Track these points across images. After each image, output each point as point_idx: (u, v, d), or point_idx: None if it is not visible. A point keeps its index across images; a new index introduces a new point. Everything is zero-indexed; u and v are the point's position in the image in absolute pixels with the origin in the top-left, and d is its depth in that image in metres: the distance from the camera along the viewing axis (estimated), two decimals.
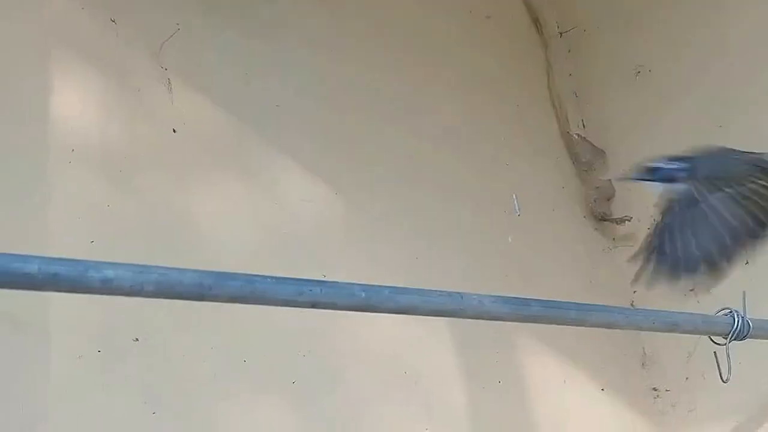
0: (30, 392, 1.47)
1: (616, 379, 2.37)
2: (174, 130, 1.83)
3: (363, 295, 1.24)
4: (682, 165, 1.22)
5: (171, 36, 1.88)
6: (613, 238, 2.61)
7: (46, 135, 1.64)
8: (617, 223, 2.59)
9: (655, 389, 2.43)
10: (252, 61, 2.02)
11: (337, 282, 1.21)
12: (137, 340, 1.61)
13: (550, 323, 1.50)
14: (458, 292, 1.34)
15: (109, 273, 0.97)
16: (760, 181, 1.03)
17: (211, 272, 1.09)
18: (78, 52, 1.75)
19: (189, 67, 1.90)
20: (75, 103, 1.71)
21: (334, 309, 1.22)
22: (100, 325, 1.58)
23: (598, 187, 2.61)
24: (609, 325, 1.61)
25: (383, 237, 2.07)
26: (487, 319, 1.41)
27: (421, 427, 1.94)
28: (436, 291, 1.31)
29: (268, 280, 1.14)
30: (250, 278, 1.13)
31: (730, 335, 1.67)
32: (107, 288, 0.97)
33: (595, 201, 2.61)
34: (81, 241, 1.59)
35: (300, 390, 1.78)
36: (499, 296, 1.39)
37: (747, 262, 2.25)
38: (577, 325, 1.56)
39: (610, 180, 2.61)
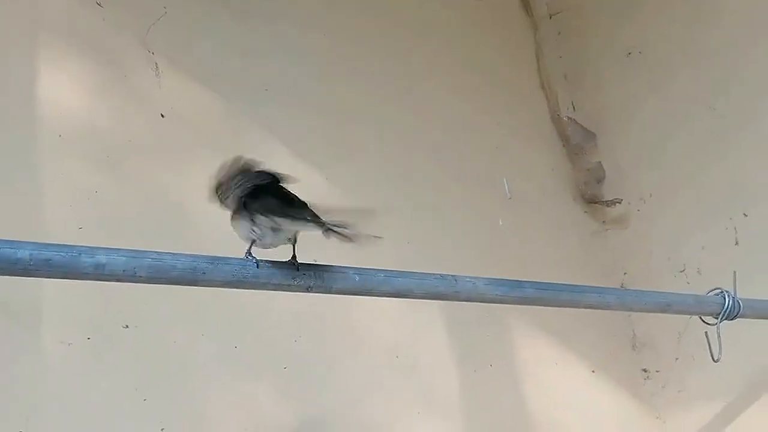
0: (21, 379, 1.46)
1: (607, 360, 2.38)
2: (162, 115, 1.81)
3: (357, 278, 1.23)
4: None
5: (158, 19, 1.86)
6: (603, 221, 2.62)
7: (33, 121, 1.62)
8: (608, 206, 2.59)
9: (645, 370, 2.44)
10: (241, 44, 1.99)
11: (332, 265, 1.21)
12: (127, 327, 1.60)
13: (544, 305, 1.51)
14: (452, 275, 1.34)
15: (102, 258, 0.96)
16: None
17: (205, 256, 1.08)
18: (64, 37, 1.73)
19: (177, 51, 1.88)
20: (62, 88, 1.69)
21: (329, 293, 1.21)
22: (89, 312, 1.56)
23: (588, 170, 2.61)
24: (602, 307, 1.61)
25: (374, 221, 2.06)
26: (481, 302, 1.41)
27: (414, 411, 1.94)
28: (430, 274, 1.31)
29: (263, 263, 1.13)
30: (243, 262, 1.12)
31: (721, 315, 1.68)
32: (100, 273, 0.96)
33: (585, 184, 2.61)
34: (69, 228, 1.57)
35: (292, 375, 1.77)
36: (492, 279, 1.39)
37: (737, 243, 2.31)
38: (570, 307, 1.57)
39: (600, 162, 2.62)
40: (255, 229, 1.12)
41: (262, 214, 1.10)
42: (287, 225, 1.12)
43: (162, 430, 1.57)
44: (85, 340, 1.54)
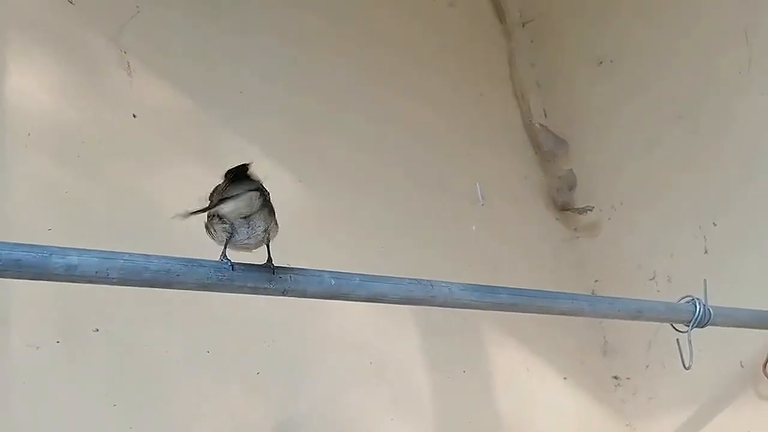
0: None
1: (578, 367, 2.39)
2: (134, 115, 1.79)
3: (333, 282, 1.22)
4: None
5: (131, 18, 1.83)
6: (575, 228, 2.63)
7: (1, 119, 1.59)
8: (579, 213, 2.61)
9: (616, 377, 2.46)
10: (214, 45, 1.98)
11: (308, 269, 1.20)
12: (97, 330, 1.57)
13: (518, 311, 1.51)
14: (428, 280, 1.33)
15: (74, 259, 0.94)
16: None
17: (179, 258, 1.06)
18: (34, 35, 1.69)
19: (149, 51, 1.85)
20: (31, 86, 1.65)
21: (304, 296, 1.20)
22: (59, 315, 1.53)
23: (560, 177, 2.63)
24: (575, 313, 1.62)
25: (346, 225, 2.06)
26: (456, 307, 1.40)
27: (387, 417, 1.93)
28: (406, 279, 1.30)
29: (238, 266, 1.12)
30: (218, 265, 1.11)
31: (692, 322, 1.70)
32: (71, 275, 0.94)
33: (557, 191, 2.62)
34: (38, 228, 1.54)
35: (264, 381, 1.76)
36: (468, 284, 1.39)
37: (706, 251, 2.33)
38: (544, 313, 1.57)
39: (571, 170, 2.63)
40: (225, 225, 1.11)
41: (221, 203, 1.07)
42: (234, 204, 1.08)
43: None
44: (54, 343, 1.51)
